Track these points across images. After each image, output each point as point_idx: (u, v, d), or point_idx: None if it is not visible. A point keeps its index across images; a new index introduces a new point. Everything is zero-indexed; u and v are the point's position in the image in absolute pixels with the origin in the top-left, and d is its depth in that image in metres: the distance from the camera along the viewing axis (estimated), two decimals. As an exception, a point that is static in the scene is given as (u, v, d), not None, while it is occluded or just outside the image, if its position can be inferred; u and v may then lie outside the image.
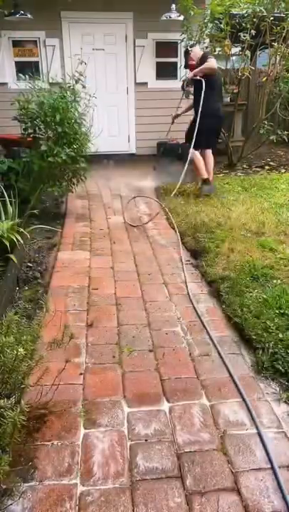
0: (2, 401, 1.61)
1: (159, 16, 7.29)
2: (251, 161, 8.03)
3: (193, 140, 5.65)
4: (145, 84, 8.01)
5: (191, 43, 6.70)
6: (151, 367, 2.41)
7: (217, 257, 3.73)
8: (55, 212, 5.33)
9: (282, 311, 2.84)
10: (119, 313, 2.97)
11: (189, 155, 5.77)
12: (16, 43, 7.57)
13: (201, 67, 5.48)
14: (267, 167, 7.61)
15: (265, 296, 3.02)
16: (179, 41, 7.08)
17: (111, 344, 2.62)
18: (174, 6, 7.11)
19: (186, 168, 5.68)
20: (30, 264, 3.71)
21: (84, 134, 4.92)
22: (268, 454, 1.83)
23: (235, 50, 7.46)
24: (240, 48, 7.21)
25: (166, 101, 7.83)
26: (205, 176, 5.82)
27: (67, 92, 4.83)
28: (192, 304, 3.10)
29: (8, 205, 3.89)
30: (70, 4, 7.23)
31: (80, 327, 2.78)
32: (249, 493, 1.66)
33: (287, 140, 7.26)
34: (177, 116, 6.60)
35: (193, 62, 5.69)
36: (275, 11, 6.59)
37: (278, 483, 1.69)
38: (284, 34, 6.45)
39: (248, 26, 6.44)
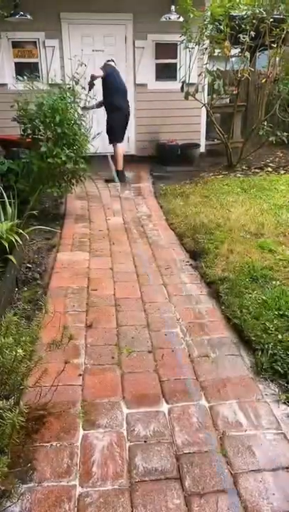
0: (1, 402, 1.61)
1: (159, 17, 7.30)
2: (250, 162, 8.03)
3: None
4: (145, 85, 8.01)
5: (191, 44, 6.70)
6: (150, 368, 2.41)
7: (216, 258, 3.73)
8: (55, 213, 5.33)
9: (281, 312, 2.84)
10: (118, 314, 2.97)
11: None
12: (16, 44, 7.56)
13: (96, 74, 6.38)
14: (266, 168, 7.62)
15: (264, 298, 3.02)
16: (179, 43, 7.07)
17: (110, 345, 2.62)
18: (173, 7, 7.12)
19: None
20: (30, 265, 3.71)
21: (83, 135, 4.92)
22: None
23: (235, 51, 7.48)
24: (239, 50, 7.22)
25: (166, 102, 7.84)
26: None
27: (67, 93, 4.83)
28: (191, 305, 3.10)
29: (8, 205, 3.89)
30: (70, 5, 7.24)
31: (79, 328, 2.78)
32: (248, 495, 1.66)
33: (286, 141, 7.27)
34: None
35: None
36: (275, 13, 6.60)
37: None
38: (283, 36, 6.46)
39: (248, 28, 6.45)
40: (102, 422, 2.01)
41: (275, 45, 6.61)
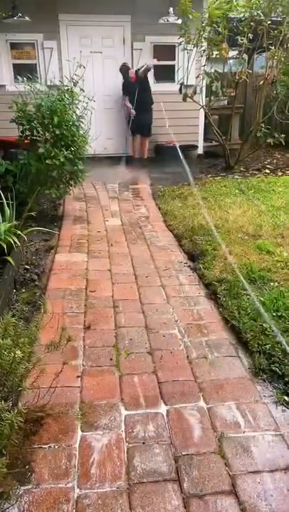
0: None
1: (157, 19, 7.31)
2: (248, 164, 8.05)
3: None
4: (143, 86, 8.02)
5: (189, 46, 6.71)
6: (148, 369, 2.41)
7: (214, 260, 3.73)
8: (53, 215, 5.33)
9: (279, 314, 2.84)
10: (116, 316, 2.97)
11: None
12: (14, 46, 7.57)
13: (146, 65, 7.50)
14: (264, 170, 7.63)
15: (262, 299, 3.03)
16: (177, 44, 7.09)
17: (108, 347, 2.62)
18: (171, 9, 7.13)
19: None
20: (28, 267, 3.70)
21: (82, 137, 4.92)
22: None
23: (233, 53, 7.49)
24: (237, 52, 7.23)
25: (164, 104, 7.84)
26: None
27: (65, 94, 4.83)
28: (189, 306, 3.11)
29: (6, 207, 3.88)
30: (68, 7, 7.25)
31: (77, 329, 2.78)
32: (247, 496, 1.66)
33: (284, 143, 7.29)
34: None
35: (134, 75, 7.53)
36: (273, 15, 6.62)
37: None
38: (281, 38, 6.48)
39: (246, 30, 6.47)
40: (100, 424, 2.01)
41: (272, 47, 6.63)
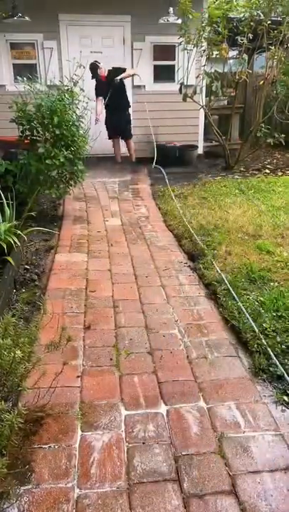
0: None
1: (157, 19, 7.31)
2: (248, 164, 8.05)
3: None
4: (143, 87, 8.02)
5: (189, 46, 6.71)
6: (148, 369, 2.41)
7: (214, 260, 3.73)
8: (53, 215, 5.33)
9: (279, 314, 2.85)
10: (116, 316, 2.97)
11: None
12: (14, 46, 7.56)
13: (127, 73, 7.33)
14: (264, 170, 7.63)
15: (262, 299, 3.03)
16: (177, 44, 7.09)
17: (108, 347, 2.62)
18: (171, 9, 7.13)
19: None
20: (28, 267, 3.70)
21: (81, 137, 4.92)
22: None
23: (233, 53, 7.49)
24: (237, 52, 7.24)
25: (164, 104, 7.85)
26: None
27: (65, 94, 4.83)
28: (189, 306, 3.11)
29: (6, 207, 3.88)
30: (68, 7, 7.24)
31: (77, 329, 2.78)
32: (247, 496, 1.66)
33: (284, 143, 7.29)
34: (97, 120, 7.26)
35: (104, 74, 7.22)
36: (273, 15, 6.63)
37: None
38: (281, 38, 6.48)
39: (246, 30, 6.47)
40: (100, 424, 2.01)
41: (272, 47, 6.63)
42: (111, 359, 2.49)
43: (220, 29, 6.45)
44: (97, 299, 3.21)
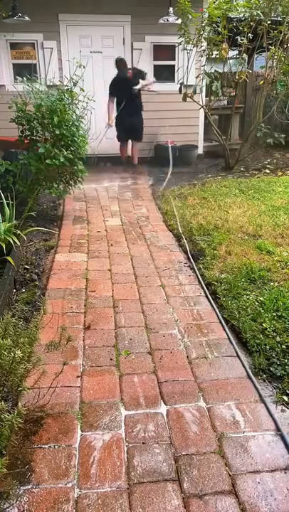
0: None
1: (157, 19, 7.31)
2: (248, 163, 8.05)
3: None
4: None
5: (189, 46, 6.72)
6: (148, 369, 2.41)
7: (214, 260, 3.73)
8: (53, 215, 5.34)
9: (279, 314, 2.85)
10: (116, 316, 2.97)
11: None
12: (14, 45, 7.56)
13: (149, 81, 7.32)
14: (264, 170, 7.64)
15: (262, 299, 3.03)
16: (177, 44, 7.09)
17: (108, 346, 2.62)
18: (171, 9, 7.13)
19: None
20: (28, 267, 3.70)
21: (82, 137, 4.92)
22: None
23: (233, 53, 7.49)
24: (237, 52, 7.24)
25: (164, 104, 7.85)
26: None
27: (65, 94, 4.83)
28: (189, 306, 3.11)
29: (6, 207, 3.89)
30: (68, 7, 7.24)
31: (77, 329, 2.78)
32: (247, 496, 1.66)
33: (284, 143, 7.29)
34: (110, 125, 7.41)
35: (131, 72, 7.16)
36: (272, 15, 6.63)
37: None
38: (281, 38, 6.48)
39: (246, 30, 6.48)
40: (100, 424, 2.01)
41: (272, 47, 6.64)
42: (111, 359, 2.49)
43: (220, 29, 6.46)
44: (97, 298, 3.21)
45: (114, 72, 7.82)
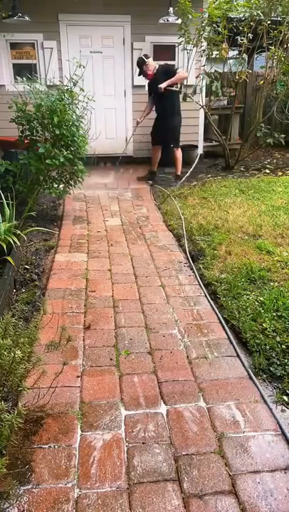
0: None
1: (157, 19, 7.31)
2: (248, 163, 8.05)
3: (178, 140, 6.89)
4: (143, 87, 7.99)
5: (189, 46, 6.72)
6: (148, 369, 2.41)
7: (214, 260, 3.73)
8: (53, 215, 5.34)
9: (279, 314, 2.85)
10: (116, 316, 2.97)
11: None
12: (14, 45, 7.56)
13: (177, 77, 6.47)
14: (264, 170, 7.63)
15: (262, 299, 3.03)
16: (177, 44, 7.08)
17: (108, 346, 2.62)
18: (171, 9, 7.13)
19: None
20: (28, 267, 3.70)
21: (82, 137, 4.92)
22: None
23: (233, 53, 7.49)
24: (237, 52, 7.23)
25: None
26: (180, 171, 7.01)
27: (65, 94, 4.83)
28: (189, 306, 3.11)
29: (6, 207, 3.89)
30: (68, 7, 7.24)
31: (77, 329, 2.78)
32: (247, 496, 1.66)
33: (284, 143, 7.29)
34: (138, 123, 7.09)
35: (151, 72, 6.62)
36: (272, 15, 6.63)
37: None
38: (281, 38, 6.48)
39: (246, 30, 6.47)
40: (100, 424, 2.01)
41: (272, 47, 6.64)
42: (111, 359, 2.49)
43: (220, 29, 6.46)
44: (97, 298, 3.21)
45: (113, 71, 7.83)
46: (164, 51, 7.97)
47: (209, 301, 3.17)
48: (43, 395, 2.10)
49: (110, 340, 2.69)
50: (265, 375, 2.35)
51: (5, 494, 1.63)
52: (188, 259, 3.95)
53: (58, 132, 4.63)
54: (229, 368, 2.42)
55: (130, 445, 1.90)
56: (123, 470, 1.77)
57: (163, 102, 6.65)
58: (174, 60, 8.03)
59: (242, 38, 6.54)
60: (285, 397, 2.19)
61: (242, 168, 7.73)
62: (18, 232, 3.68)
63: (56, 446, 1.88)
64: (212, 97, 7.40)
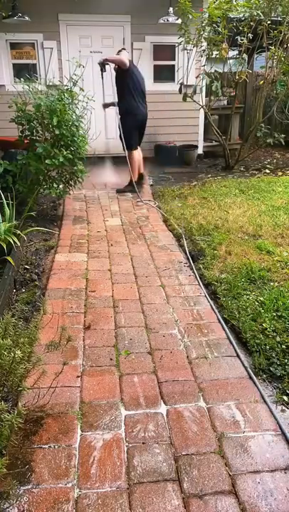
0: (-1, 404, 1.60)
1: (157, 19, 7.32)
2: (248, 163, 8.06)
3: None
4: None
5: (189, 46, 6.72)
6: (148, 369, 2.41)
7: (214, 260, 3.73)
8: (53, 215, 5.33)
9: (279, 314, 2.85)
10: (116, 316, 2.97)
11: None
12: (14, 45, 7.57)
13: (113, 57, 5.97)
14: (264, 170, 7.64)
15: (262, 299, 3.03)
16: (177, 44, 7.09)
17: (108, 346, 2.62)
18: (171, 9, 7.14)
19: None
20: (28, 267, 3.70)
21: (81, 137, 4.92)
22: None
23: (233, 53, 7.50)
24: (237, 52, 7.24)
25: (164, 104, 7.85)
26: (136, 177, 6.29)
27: (65, 94, 4.83)
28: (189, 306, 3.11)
29: (5, 207, 3.89)
30: (68, 7, 7.25)
31: (77, 329, 2.78)
32: (247, 496, 1.66)
33: (284, 143, 7.29)
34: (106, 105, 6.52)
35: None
36: (272, 15, 6.63)
37: None
38: (281, 38, 6.48)
39: (246, 30, 6.48)
40: (100, 424, 2.01)
41: (272, 47, 6.64)
42: (111, 359, 2.49)
43: (220, 29, 6.46)
44: (97, 298, 3.21)
45: (113, 71, 7.82)
46: (164, 51, 7.98)
47: (209, 301, 3.17)
48: (43, 395, 2.10)
49: (110, 340, 2.69)
50: (265, 375, 2.35)
51: (5, 494, 1.63)
52: (188, 259, 3.95)
53: (57, 132, 4.64)
54: (229, 368, 2.42)
55: (130, 445, 1.89)
56: (123, 470, 1.77)
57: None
58: (174, 60, 8.04)
59: (242, 38, 6.55)
60: (285, 397, 2.19)
61: (242, 168, 7.73)
62: (18, 232, 3.68)
63: (56, 446, 1.88)
64: (212, 97, 7.41)
